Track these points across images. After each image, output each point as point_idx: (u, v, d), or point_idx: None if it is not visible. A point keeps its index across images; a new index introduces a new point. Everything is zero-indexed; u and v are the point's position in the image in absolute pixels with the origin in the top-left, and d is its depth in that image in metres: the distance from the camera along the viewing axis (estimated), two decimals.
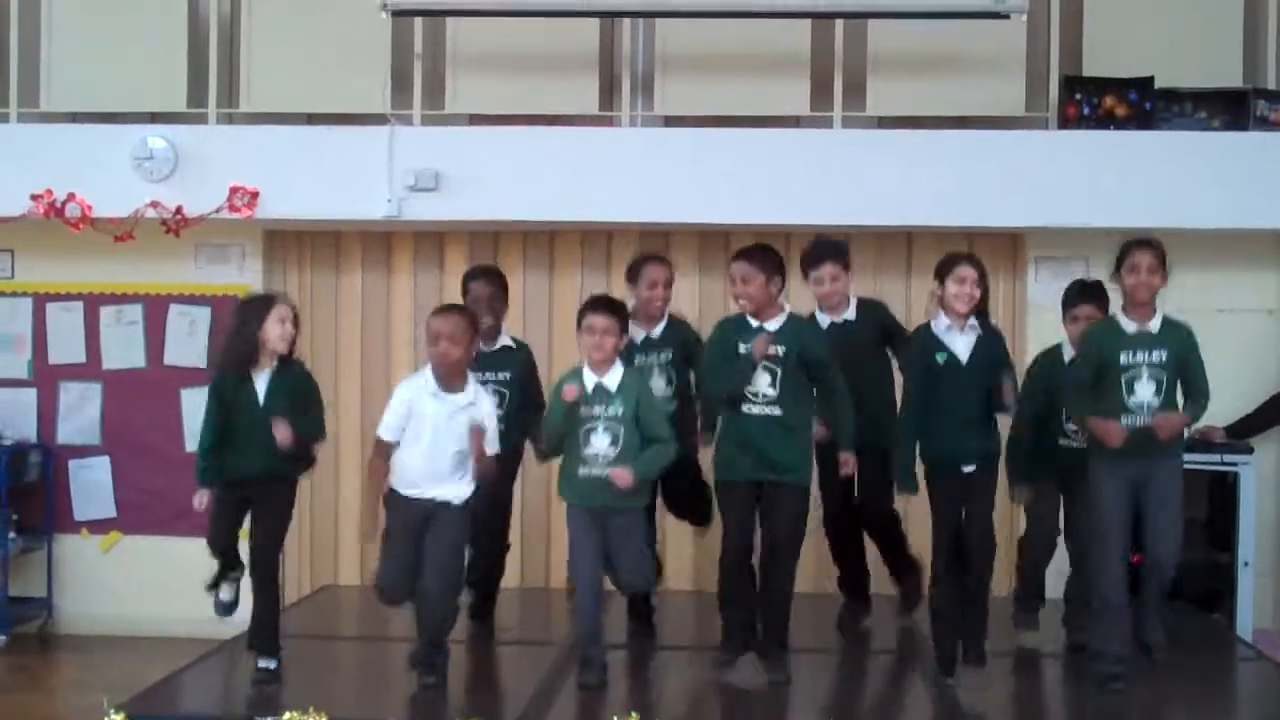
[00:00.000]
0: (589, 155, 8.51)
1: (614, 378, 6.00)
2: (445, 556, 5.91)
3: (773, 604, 6.11)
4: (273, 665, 6.00)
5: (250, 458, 5.91)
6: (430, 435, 5.88)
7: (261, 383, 5.92)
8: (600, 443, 5.93)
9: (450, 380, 5.90)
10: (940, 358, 6.04)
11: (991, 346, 6.09)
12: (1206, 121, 8.51)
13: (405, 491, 5.94)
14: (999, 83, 8.72)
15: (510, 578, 8.61)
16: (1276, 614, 8.57)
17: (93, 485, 9.23)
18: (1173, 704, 5.83)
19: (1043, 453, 6.68)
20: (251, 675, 5.95)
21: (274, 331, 5.90)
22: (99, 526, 9.24)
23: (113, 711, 5.40)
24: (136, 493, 9.16)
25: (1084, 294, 6.67)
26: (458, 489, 5.91)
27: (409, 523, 5.92)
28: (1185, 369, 5.88)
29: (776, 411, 5.98)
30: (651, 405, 6.09)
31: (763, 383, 5.99)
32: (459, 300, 6.76)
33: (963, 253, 6.35)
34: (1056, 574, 7.00)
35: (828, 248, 6.87)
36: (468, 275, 7.02)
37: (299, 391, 5.99)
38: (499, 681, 6.09)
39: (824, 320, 6.79)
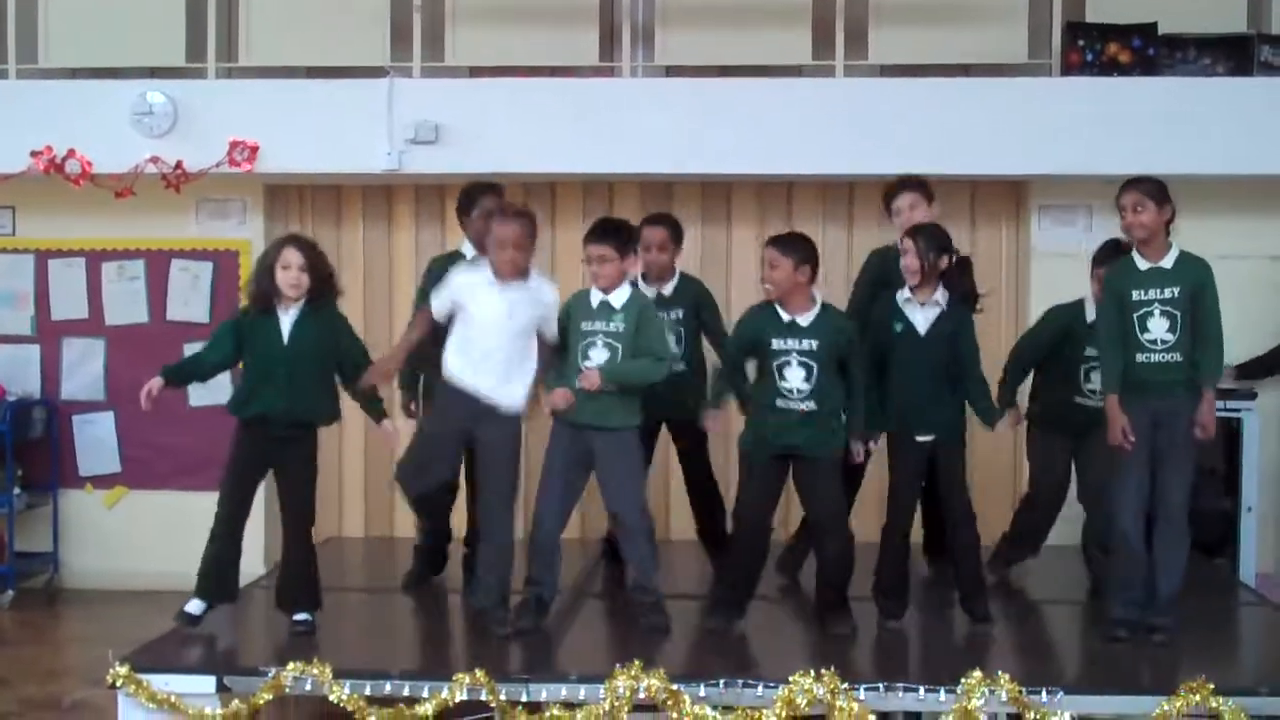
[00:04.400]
0: (590, 106, 8.48)
1: (620, 296, 6.01)
2: (501, 463, 5.99)
3: (836, 570, 6.11)
4: (310, 618, 6.04)
5: (272, 397, 5.89)
6: (486, 321, 5.90)
7: (287, 322, 5.91)
8: (598, 357, 5.95)
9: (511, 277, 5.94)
10: (898, 327, 6.13)
11: (953, 322, 6.12)
12: (1210, 67, 8.48)
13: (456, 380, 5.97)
14: (1002, 30, 8.69)
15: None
16: (1279, 558, 8.58)
17: (97, 441, 9.26)
18: (1175, 649, 5.82)
19: (1057, 407, 6.77)
20: (290, 627, 5.98)
21: (280, 277, 5.88)
22: (103, 482, 9.29)
23: (118, 664, 5.45)
24: (140, 448, 9.19)
25: (1106, 253, 6.65)
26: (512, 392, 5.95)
27: (452, 416, 5.98)
28: (1197, 306, 5.87)
29: (811, 406, 5.95)
30: (652, 322, 6.06)
31: (797, 378, 5.95)
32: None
33: (922, 224, 6.34)
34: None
35: (907, 178, 6.88)
36: (473, 191, 6.84)
37: (325, 332, 5.96)
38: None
39: None
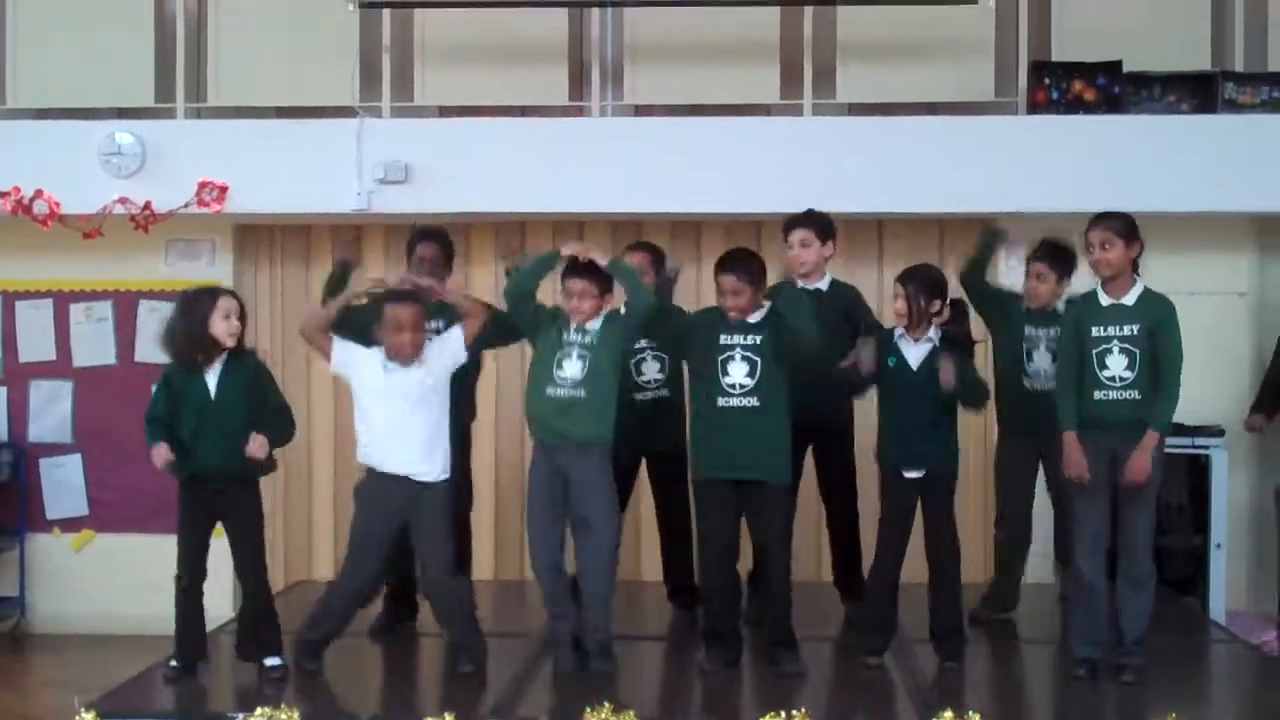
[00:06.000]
0: (559, 145, 8.48)
1: (595, 323, 6.03)
2: (438, 538, 6.02)
3: (775, 605, 6.13)
4: (281, 661, 6.02)
5: (206, 452, 5.86)
6: (392, 402, 5.96)
7: (213, 376, 5.88)
8: (572, 367, 5.96)
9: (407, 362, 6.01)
10: (891, 361, 6.14)
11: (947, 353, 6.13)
12: (1175, 105, 8.53)
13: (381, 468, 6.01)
14: (968, 68, 8.75)
15: (483, 570, 8.64)
16: (1249, 596, 8.61)
17: (65, 484, 9.18)
18: (1146, 688, 5.82)
19: (1012, 402, 6.79)
20: (264, 674, 5.96)
21: (220, 327, 5.85)
22: (71, 525, 9.20)
23: (84, 710, 5.39)
24: (108, 491, 9.12)
25: (1040, 251, 6.76)
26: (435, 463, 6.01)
27: (383, 511, 6.01)
28: (1156, 346, 5.87)
29: (754, 401, 5.97)
30: (619, 324, 6.09)
31: (740, 372, 5.98)
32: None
33: (915, 265, 6.32)
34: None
35: (803, 214, 6.87)
36: (415, 236, 6.91)
37: (254, 383, 5.95)
38: (472, 674, 6.07)
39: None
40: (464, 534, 6.81)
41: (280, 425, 6.03)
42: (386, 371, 5.98)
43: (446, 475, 6.06)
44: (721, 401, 5.99)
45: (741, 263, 6.10)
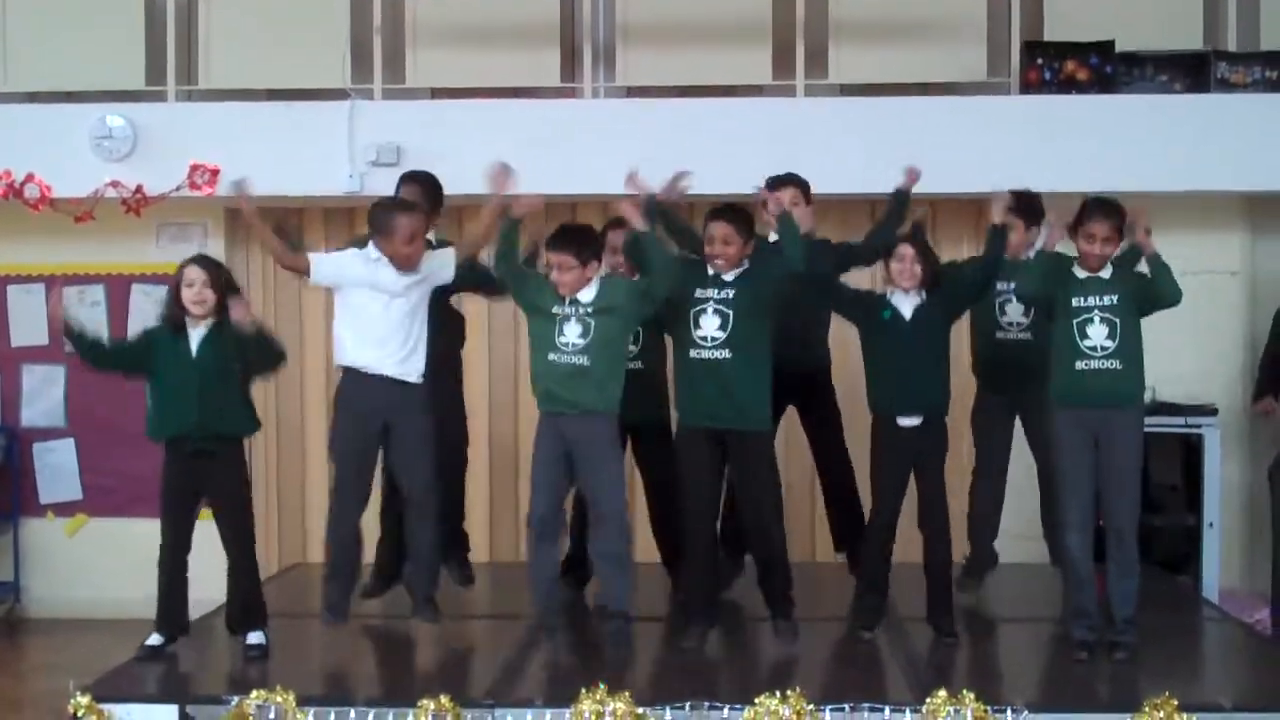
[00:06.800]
0: (551, 127, 8.48)
1: (588, 293, 6.00)
2: (418, 442, 6.03)
3: (771, 565, 6.17)
4: (263, 640, 6.04)
5: (184, 412, 5.90)
6: (375, 305, 5.96)
7: (195, 339, 5.95)
8: (572, 332, 5.94)
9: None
10: (885, 314, 6.19)
11: (938, 301, 6.20)
12: (1167, 84, 8.54)
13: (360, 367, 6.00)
14: (960, 49, 8.75)
15: (479, 552, 8.63)
16: (1243, 575, 8.64)
17: (58, 468, 9.19)
18: (1139, 667, 5.84)
19: (986, 353, 6.87)
20: (244, 652, 5.99)
21: (184, 295, 5.92)
22: (65, 509, 9.22)
23: (79, 694, 5.40)
24: (102, 475, 9.12)
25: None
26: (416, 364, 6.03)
27: (362, 416, 6.01)
28: (1147, 291, 5.95)
29: (725, 354, 5.98)
30: (627, 287, 6.09)
31: (711, 326, 6.00)
32: None
33: (905, 232, 6.39)
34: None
35: (791, 175, 6.86)
36: (400, 179, 6.87)
37: (232, 345, 5.96)
38: (467, 657, 6.08)
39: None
40: (457, 511, 6.81)
41: (261, 349, 6.05)
42: (373, 272, 5.98)
43: (422, 378, 6.04)
44: (694, 354, 6.02)
45: (736, 213, 6.14)
